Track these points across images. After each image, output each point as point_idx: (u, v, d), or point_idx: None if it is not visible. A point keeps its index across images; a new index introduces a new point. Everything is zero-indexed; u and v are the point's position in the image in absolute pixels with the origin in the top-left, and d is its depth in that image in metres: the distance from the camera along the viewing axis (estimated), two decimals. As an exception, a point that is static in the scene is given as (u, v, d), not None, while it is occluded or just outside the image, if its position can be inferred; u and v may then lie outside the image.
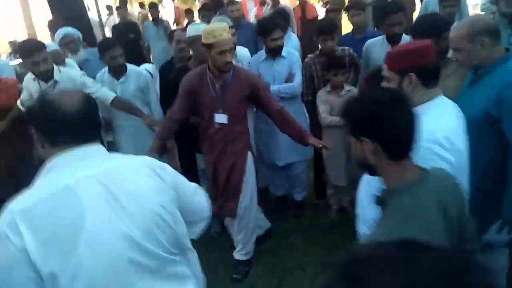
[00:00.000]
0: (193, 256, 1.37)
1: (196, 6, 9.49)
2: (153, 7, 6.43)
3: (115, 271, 1.09)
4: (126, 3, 7.08)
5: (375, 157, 1.13)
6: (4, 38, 11.15)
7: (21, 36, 12.92)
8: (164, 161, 1.41)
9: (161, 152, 2.86)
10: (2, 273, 1.03)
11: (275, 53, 3.12)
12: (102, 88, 3.12)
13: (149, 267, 1.16)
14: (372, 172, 1.22)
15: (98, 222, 1.09)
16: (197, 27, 2.94)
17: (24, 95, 3.10)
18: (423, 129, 1.25)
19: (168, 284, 1.22)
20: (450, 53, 2.09)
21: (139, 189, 1.19)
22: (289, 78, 3.13)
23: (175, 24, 8.83)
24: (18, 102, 3.11)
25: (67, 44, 3.85)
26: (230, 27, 3.32)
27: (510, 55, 1.87)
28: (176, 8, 9.72)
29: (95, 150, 1.20)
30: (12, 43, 9.31)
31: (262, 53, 3.24)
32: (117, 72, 3.19)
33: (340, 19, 5.30)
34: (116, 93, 3.15)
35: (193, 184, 1.44)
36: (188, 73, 2.71)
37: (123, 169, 1.20)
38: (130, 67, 3.27)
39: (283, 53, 3.14)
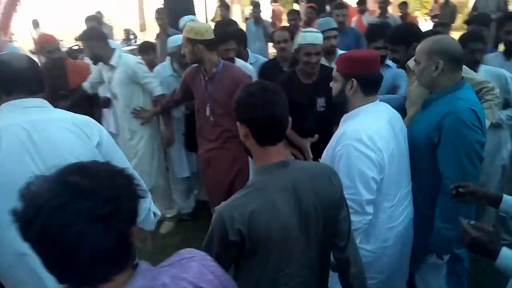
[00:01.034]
0: None
1: (295, 7, 9.44)
2: (256, 6, 6.55)
3: None
4: (227, 6, 7.27)
5: (247, 140, 1.29)
6: (120, 26, 12.26)
7: (135, 24, 14.19)
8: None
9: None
10: None
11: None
12: (153, 81, 3.17)
13: None
14: (249, 154, 1.36)
15: (8, 164, 1.32)
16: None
17: (93, 76, 3.37)
18: (350, 128, 1.65)
19: None
20: (411, 62, 2.14)
21: (58, 140, 1.42)
22: (391, 90, 2.93)
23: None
24: (86, 82, 3.37)
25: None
26: (332, 29, 3.23)
27: (462, 85, 1.85)
28: (273, 11, 9.77)
29: (36, 101, 1.47)
30: (126, 31, 10.22)
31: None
32: None
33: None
34: None
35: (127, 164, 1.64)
36: (189, 67, 2.86)
37: (49, 122, 1.44)
38: (238, 61, 3.26)
39: (389, 63, 2.95)
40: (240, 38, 3.35)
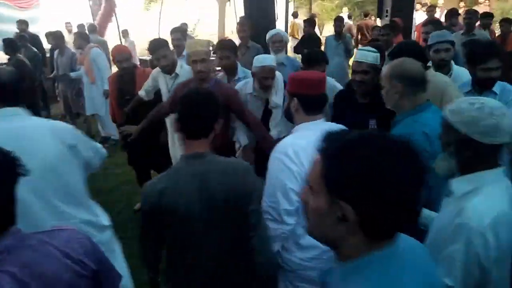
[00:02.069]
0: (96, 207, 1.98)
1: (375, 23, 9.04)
2: (338, 20, 6.33)
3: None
4: (313, 20, 7.10)
5: (179, 134, 1.54)
6: (202, 36, 12.74)
7: (214, 34, 14.70)
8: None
9: None
10: None
11: (484, 85, 2.56)
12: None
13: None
14: None
15: None
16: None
17: (148, 84, 3.49)
18: (282, 142, 1.80)
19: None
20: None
21: (37, 143, 1.70)
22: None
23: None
24: (141, 90, 3.53)
25: (273, 43, 4.04)
26: (443, 42, 2.93)
27: (425, 108, 1.92)
28: (358, 25, 9.46)
29: (17, 110, 1.74)
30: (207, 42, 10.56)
31: (466, 84, 2.72)
32: None
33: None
34: None
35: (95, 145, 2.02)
36: (181, 83, 3.07)
37: (30, 128, 1.73)
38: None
39: (495, 88, 2.56)
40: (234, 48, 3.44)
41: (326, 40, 6.32)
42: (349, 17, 9.36)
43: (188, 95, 1.61)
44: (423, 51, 2.67)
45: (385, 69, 1.99)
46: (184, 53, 4.53)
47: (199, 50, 2.79)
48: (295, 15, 9.87)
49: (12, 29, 7.95)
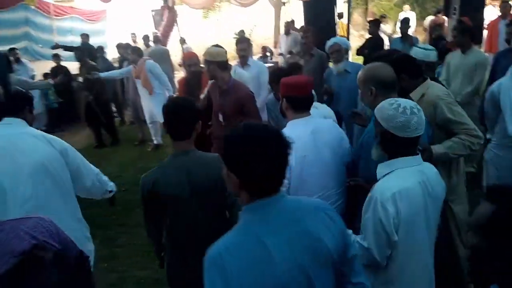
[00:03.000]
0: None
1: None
2: (404, 22, 6.06)
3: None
4: (378, 21, 6.86)
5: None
6: (258, 40, 12.85)
7: (269, 38, 14.77)
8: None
9: None
10: None
11: None
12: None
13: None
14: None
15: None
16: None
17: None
18: None
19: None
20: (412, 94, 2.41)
21: (28, 147, 2.08)
22: None
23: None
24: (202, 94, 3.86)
25: (332, 53, 3.99)
26: None
27: None
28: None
29: (14, 120, 2.13)
30: (264, 48, 10.62)
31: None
32: None
33: None
34: None
35: (90, 168, 2.35)
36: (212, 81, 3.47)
37: (21, 135, 2.10)
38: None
39: None
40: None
41: (391, 42, 6.08)
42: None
43: (170, 104, 1.97)
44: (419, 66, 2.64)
45: (359, 73, 2.22)
46: (249, 62, 4.58)
47: (213, 55, 3.26)
48: (340, 15, 9.59)
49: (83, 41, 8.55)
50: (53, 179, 2.10)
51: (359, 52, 6.40)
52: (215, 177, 1.78)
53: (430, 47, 2.75)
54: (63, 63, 8.44)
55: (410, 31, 6.55)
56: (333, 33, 5.86)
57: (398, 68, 2.35)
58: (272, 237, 1.15)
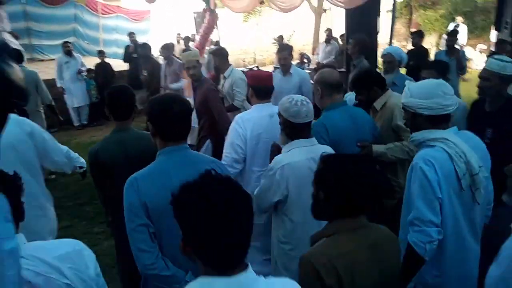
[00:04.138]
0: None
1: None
2: (451, 34, 5.83)
3: None
4: (421, 32, 6.65)
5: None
6: (295, 46, 12.77)
7: (308, 44, 14.68)
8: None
9: None
10: None
11: None
12: (238, 95, 4.39)
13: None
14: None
15: None
16: None
17: None
18: (238, 116, 2.90)
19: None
20: (376, 103, 2.92)
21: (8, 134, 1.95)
22: None
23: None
24: None
25: (383, 63, 3.93)
26: None
27: (335, 107, 2.57)
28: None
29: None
30: (301, 55, 10.57)
31: None
32: None
33: None
34: None
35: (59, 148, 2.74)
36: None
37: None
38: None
39: None
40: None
41: (435, 55, 5.86)
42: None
43: (112, 91, 2.39)
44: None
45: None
46: (291, 70, 4.49)
47: (191, 60, 3.97)
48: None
49: (127, 39, 8.83)
50: (21, 158, 2.48)
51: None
52: (147, 148, 2.16)
53: (508, 58, 2.60)
54: (107, 60, 8.75)
55: (461, 44, 6.29)
56: (375, 44, 5.71)
57: (371, 82, 2.87)
58: (175, 170, 1.70)
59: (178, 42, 9.98)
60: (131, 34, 8.66)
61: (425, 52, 6.21)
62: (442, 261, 1.86)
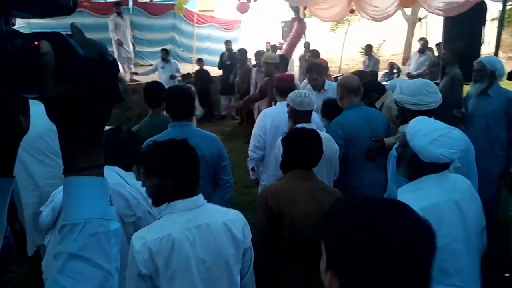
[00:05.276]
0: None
1: None
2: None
3: None
4: None
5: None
6: (384, 56, 12.30)
7: (398, 54, 14.01)
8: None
9: None
10: None
11: None
12: None
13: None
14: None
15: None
16: None
17: None
18: (264, 111, 3.54)
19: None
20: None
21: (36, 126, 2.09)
22: None
23: None
24: None
25: (474, 71, 3.70)
26: None
27: (352, 107, 2.98)
28: None
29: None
30: (391, 64, 10.13)
31: None
32: None
33: None
34: None
35: None
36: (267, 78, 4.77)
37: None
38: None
39: None
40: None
41: None
42: None
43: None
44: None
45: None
46: (326, 85, 4.28)
47: (268, 58, 4.73)
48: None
49: (220, 48, 9.30)
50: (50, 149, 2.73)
51: (511, 76, 5.59)
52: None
53: None
54: (205, 67, 9.32)
55: None
56: (477, 54, 5.25)
57: (369, 89, 3.42)
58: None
59: (268, 50, 10.24)
60: (227, 42, 9.10)
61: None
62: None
